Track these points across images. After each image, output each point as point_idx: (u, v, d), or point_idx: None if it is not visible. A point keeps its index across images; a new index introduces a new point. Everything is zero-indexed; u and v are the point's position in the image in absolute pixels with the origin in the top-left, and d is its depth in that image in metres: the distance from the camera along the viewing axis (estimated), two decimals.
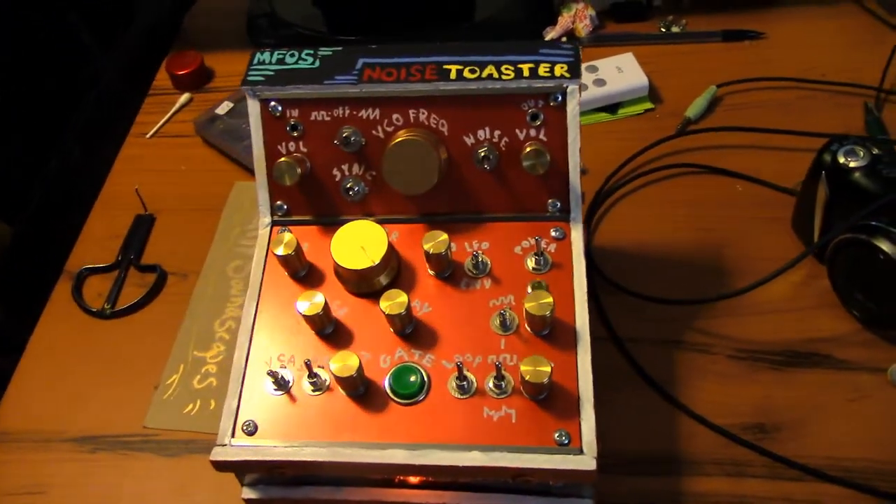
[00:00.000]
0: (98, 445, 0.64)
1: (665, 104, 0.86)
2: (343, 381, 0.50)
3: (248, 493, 0.54)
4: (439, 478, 0.51)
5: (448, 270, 0.56)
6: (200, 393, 0.66)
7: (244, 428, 0.51)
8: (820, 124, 0.79)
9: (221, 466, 0.51)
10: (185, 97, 0.91)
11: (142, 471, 0.62)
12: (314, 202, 0.59)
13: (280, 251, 0.54)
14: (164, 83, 0.94)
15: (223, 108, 0.86)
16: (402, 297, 0.52)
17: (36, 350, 0.71)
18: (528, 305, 0.51)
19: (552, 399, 0.50)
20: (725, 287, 0.69)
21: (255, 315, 0.55)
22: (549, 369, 0.48)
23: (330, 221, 0.59)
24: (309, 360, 0.51)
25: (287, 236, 0.55)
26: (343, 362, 0.50)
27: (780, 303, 0.68)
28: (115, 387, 0.67)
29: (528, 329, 0.53)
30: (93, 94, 0.97)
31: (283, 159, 0.56)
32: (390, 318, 0.52)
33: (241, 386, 0.53)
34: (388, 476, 0.52)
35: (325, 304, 0.52)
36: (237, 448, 0.50)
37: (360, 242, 0.54)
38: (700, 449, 0.60)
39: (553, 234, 0.56)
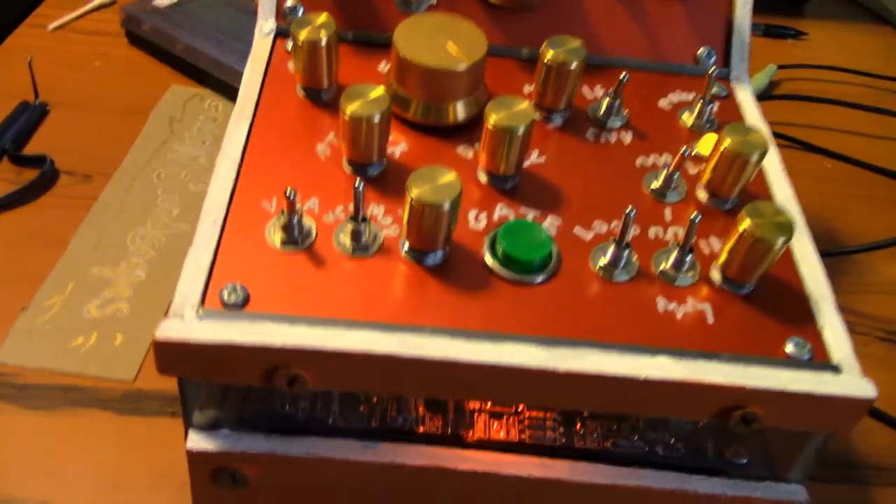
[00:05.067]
0: None
1: None
2: (424, 223, 0.28)
3: (197, 442, 0.29)
4: (591, 403, 0.28)
5: (563, 114, 0.36)
6: (100, 323, 0.41)
7: (224, 296, 0.27)
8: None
9: (170, 354, 0.26)
10: None
11: None
12: (347, 9, 0.38)
13: (307, 36, 0.33)
14: None
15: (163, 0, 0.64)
16: (525, 105, 0.31)
17: None
18: (729, 142, 0.31)
19: (763, 294, 0.30)
20: (843, 262, 0.53)
21: (248, 139, 0.33)
22: (788, 219, 0.29)
23: (368, 40, 0.38)
24: (360, 185, 0.28)
25: (321, 16, 0.33)
26: (431, 182, 0.28)
27: None
28: None
29: (706, 194, 0.33)
30: None
31: None
32: (495, 146, 0.31)
33: (221, 233, 0.29)
34: (500, 399, 0.29)
35: (389, 104, 0.30)
36: (209, 323, 0.26)
37: (444, 37, 0.33)
38: (881, 450, 0.41)
39: (714, 90, 0.37)
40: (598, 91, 0.37)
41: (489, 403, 0.32)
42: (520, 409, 0.33)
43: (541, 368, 0.26)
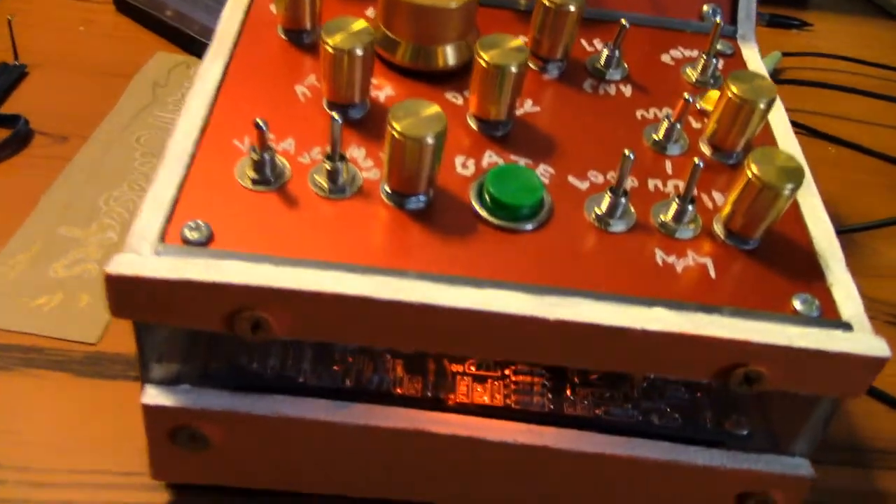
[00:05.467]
0: None
1: None
2: (406, 160, 0.26)
3: (154, 397, 0.27)
4: (582, 358, 0.26)
5: (560, 64, 0.34)
6: (66, 283, 0.38)
7: (186, 233, 0.25)
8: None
9: (123, 293, 0.24)
10: None
11: None
12: None
13: None
14: None
15: None
16: (518, 42, 0.29)
17: None
18: (736, 89, 0.29)
19: (768, 250, 0.28)
20: (845, 246, 0.51)
21: (223, 79, 0.31)
22: (797, 166, 0.27)
23: None
24: (338, 120, 0.26)
25: None
26: (414, 115, 0.26)
27: None
28: None
29: (709, 149, 0.31)
30: None
31: None
32: (486, 87, 0.29)
33: (187, 171, 0.27)
34: (483, 352, 0.26)
35: (373, 37, 0.28)
36: (167, 259, 0.24)
37: None
38: (886, 434, 0.39)
39: (718, 47, 0.35)
40: (598, 45, 0.35)
41: (473, 366, 0.30)
42: (506, 374, 0.30)
43: (529, 317, 0.24)
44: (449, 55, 0.32)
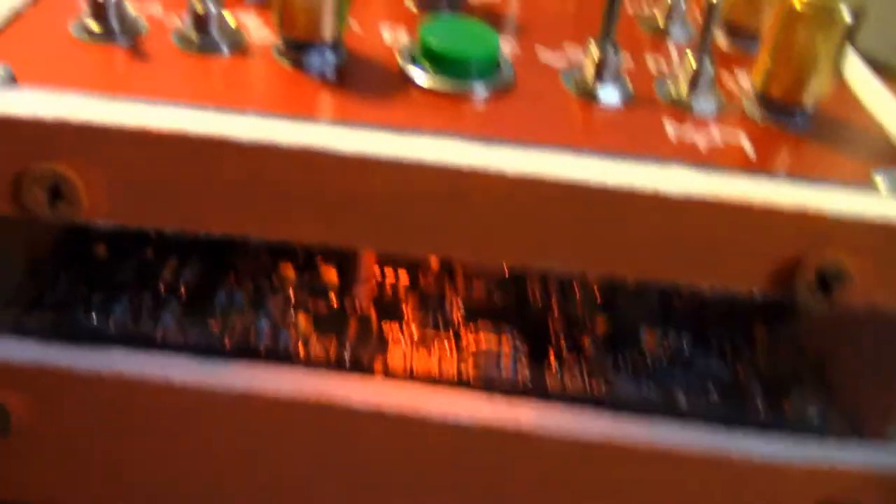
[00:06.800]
0: None
1: None
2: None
3: None
4: (554, 253, 0.16)
5: None
6: None
7: None
8: None
9: None
10: None
11: None
12: None
13: None
14: None
15: None
16: None
17: None
18: None
19: (822, 131, 0.20)
20: None
21: None
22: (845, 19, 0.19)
23: None
24: None
25: None
26: None
27: None
28: None
29: (726, 37, 0.23)
30: None
31: None
32: None
33: (6, 22, 0.19)
34: (403, 243, 0.17)
35: None
36: None
37: None
38: None
39: None
40: None
41: (413, 324, 0.21)
42: (459, 333, 0.21)
43: (479, 171, 0.15)
44: None
